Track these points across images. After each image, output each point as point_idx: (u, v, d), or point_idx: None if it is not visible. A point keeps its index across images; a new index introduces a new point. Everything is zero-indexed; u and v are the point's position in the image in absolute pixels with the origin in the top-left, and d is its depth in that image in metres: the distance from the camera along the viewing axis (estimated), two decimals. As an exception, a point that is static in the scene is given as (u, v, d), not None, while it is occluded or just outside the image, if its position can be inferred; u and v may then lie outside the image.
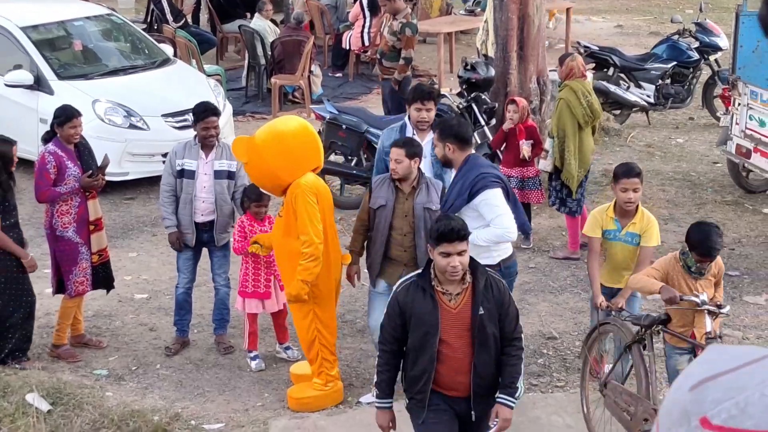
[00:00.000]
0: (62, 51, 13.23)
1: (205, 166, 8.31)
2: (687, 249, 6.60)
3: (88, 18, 13.73)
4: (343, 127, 11.33)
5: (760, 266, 10.07)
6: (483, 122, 11.42)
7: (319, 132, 9.81)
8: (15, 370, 7.92)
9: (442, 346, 5.52)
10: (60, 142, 8.25)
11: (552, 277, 9.84)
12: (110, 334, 8.89)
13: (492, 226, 7.00)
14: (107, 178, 8.59)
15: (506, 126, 10.23)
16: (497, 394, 5.71)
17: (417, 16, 13.86)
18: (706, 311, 6.45)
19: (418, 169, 7.40)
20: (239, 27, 17.19)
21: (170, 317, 9.10)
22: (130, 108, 12.21)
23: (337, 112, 11.54)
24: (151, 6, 17.58)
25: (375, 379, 5.93)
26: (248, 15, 18.35)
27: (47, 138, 8.36)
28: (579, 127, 9.90)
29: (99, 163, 8.41)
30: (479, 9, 18.02)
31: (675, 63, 14.76)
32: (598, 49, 14.95)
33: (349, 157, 11.43)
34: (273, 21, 17.09)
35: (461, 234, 5.42)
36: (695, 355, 6.60)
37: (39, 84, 12.30)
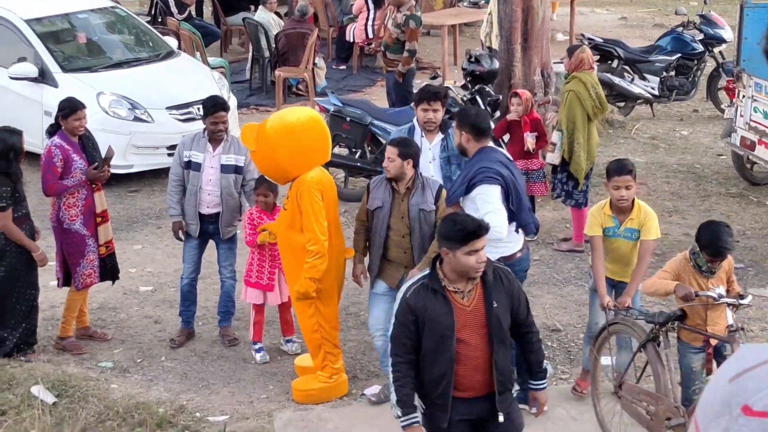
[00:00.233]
0: (66, 43, 13.23)
1: (212, 160, 8.33)
2: (697, 249, 6.56)
3: (92, 10, 13.73)
4: (347, 119, 11.33)
5: (765, 258, 10.06)
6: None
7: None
8: (20, 362, 7.95)
9: (459, 346, 5.36)
10: (65, 134, 8.26)
11: (556, 269, 9.85)
12: (115, 326, 8.91)
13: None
14: (112, 170, 8.60)
15: (510, 117, 10.23)
16: (530, 382, 5.69)
17: (421, 9, 13.85)
18: (725, 304, 6.43)
19: (415, 170, 7.33)
20: (243, 19, 17.18)
21: (175, 309, 9.12)
22: (135, 100, 12.22)
23: (341, 105, 11.54)
24: (155, -2, 17.57)
25: (393, 397, 5.46)
26: (252, 7, 18.35)
27: (52, 131, 8.38)
28: (588, 119, 9.89)
29: (103, 155, 8.42)
30: (483, 1, 18.02)
31: (679, 55, 14.73)
32: (602, 41, 14.92)
33: (353, 150, 11.43)
34: (277, 13, 17.08)
35: (486, 229, 5.40)
36: (708, 355, 6.59)
37: (43, 77, 12.31)
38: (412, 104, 11.97)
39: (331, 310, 7.71)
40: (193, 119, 11.98)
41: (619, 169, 7.14)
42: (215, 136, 8.32)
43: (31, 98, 12.30)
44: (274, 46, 15.88)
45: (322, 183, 7.44)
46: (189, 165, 8.36)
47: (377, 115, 11.53)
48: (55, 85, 12.22)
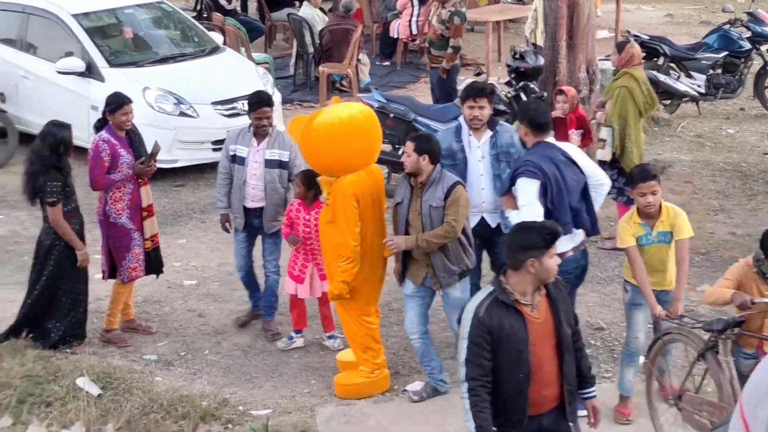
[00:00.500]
0: (113, 38, 13.34)
1: (256, 154, 8.39)
2: (762, 256, 6.45)
3: (138, 6, 13.84)
4: (391, 115, 11.33)
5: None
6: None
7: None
8: (66, 354, 8.04)
9: (532, 360, 5.17)
10: (112, 129, 8.33)
11: (600, 267, 9.79)
12: (159, 319, 8.97)
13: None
14: (157, 165, 8.67)
15: (555, 114, 10.17)
16: (583, 391, 5.52)
17: (465, 5, 13.81)
18: None
19: (434, 166, 7.25)
20: (288, 15, 17.23)
21: (219, 303, 9.19)
22: (180, 96, 12.30)
23: (384, 101, 11.54)
24: (201, -6, 17.68)
25: (471, 425, 5.12)
26: (297, 3, 18.38)
27: (99, 125, 8.45)
28: (639, 114, 9.83)
29: (149, 150, 8.48)
30: (528, -3, 17.93)
31: (726, 53, 14.58)
32: (648, 38, 14.80)
33: (397, 146, 11.43)
34: (321, 9, 17.11)
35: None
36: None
37: (90, 71, 12.43)
38: (456, 101, 12.02)
39: (372, 305, 7.74)
40: (237, 114, 12.04)
41: (643, 175, 7.03)
42: (259, 131, 8.37)
43: (78, 93, 12.42)
44: (318, 41, 15.92)
45: (360, 187, 7.43)
46: (234, 159, 8.45)
47: (421, 112, 11.52)
48: (101, 79, 12.33)
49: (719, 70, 14.58)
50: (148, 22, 13.96)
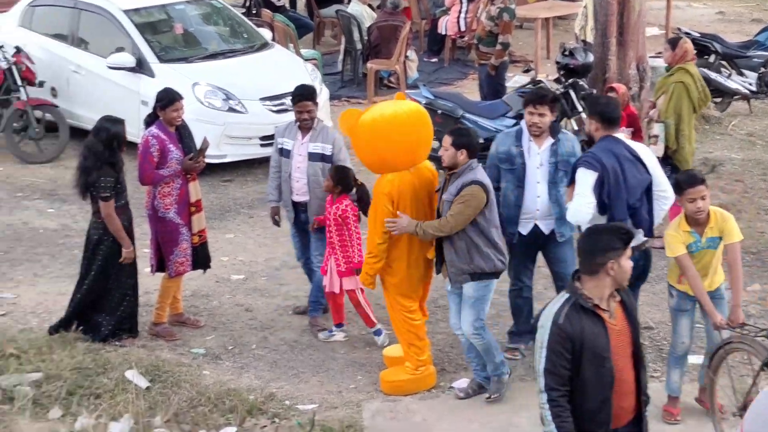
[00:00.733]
0: (163, 34, 13.43)
1: (300, 147, 8.44)
2: None
3: (188, 2, 13.91)
4: (439, 112, 11.31)
5: None
6: (580, 109, 11.30)
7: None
8: (115, 347, 8.11)
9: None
10: (162, 125, 8.38)
11: (648, 266, 9.70)
12: (207, 313, 9.03)
13: None
14: (206, 160, 8.72)
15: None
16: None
17: (515, 1, 13.76)
18: None
19: (469, 161, 7.20)
20: (336, 11, 17.25)
21: (266, 298, 9.23)
22: (229, 91, 12.36)
23: (432, 97, 11.53)
24: (250, -10, 17.73)
25: None
26: (345, 0, 18.41)
27: (149, 121, 8.50)
28: (693, 110, 9.75)
29: (198, 145, 8.53)
30: (578, -6, 17.81)
31: (778, 50, 14.43)
32: (699, 35, 14.67)
33: (445, 143, 11.40)
34: (370, 6, 17.11)
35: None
36: None
37: (140, 67, 12.52)
38: (505, 98, 11.99)
39: (415, 303, 7.75)
40: (286, 110, 12.06)
41: (691, 180, 6.89)
42: (302, 125, 8.44)
43: (128, 88, 12.51)
44: (366, 38, 15.93)
45: (397, 186, 7.40)
46: (282, 152, 8.52)
47: (469, 108, 11.50)
48: (151, 75, 12.42)
49: (771, 68, 14.41)
50: (198, 18, 14.04)
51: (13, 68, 12.65)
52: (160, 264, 8.51)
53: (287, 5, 18.51)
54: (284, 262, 9.92)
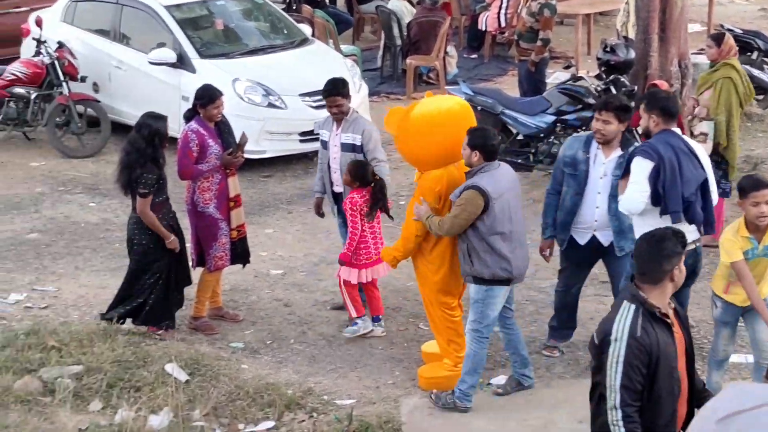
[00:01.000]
0: (204, 30, 13.50)
1: (335, 138, 8.52)
2: None
3: (229, -3, 13.99)
4: (478, 108, 11.26)
5: None
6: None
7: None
8: (155, 340, 8.15)
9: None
10: (201, 120, 8.42)
11: (689, 264, 9.63)
12: (246, 308, 9.06)
13: None
14: (245, 155, 8.75)
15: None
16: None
17: (555, -3, 13.69)
18: None
19: (483, 164, 7.16)
20: (376, 7, 17.26)
21: (304, 293, 9.25)
22: (269, 87, 12.40)
23: (472, 93, 11.50)
24: (290, -14, 17.77)
25: None
26: (385, -5, 18.41)
27: (189, 116, 8.55)
28: (740, 105, 9.67)
29: (237, 141, 8.56)
30: (619, -10, 17.70)
31: (823, 47, 14.26)
32: (741, 32, 14.53)
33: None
34: (409, 1, 17.11)
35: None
36: None
37: (181, 62, 12.59)
38: (545, 94, 11.94)
39: (454, 299, 7.74)
40: (325, 106, 12.07)
41: (755, 184, 6.73)
42: (335, 117, 8.52)
43: (169, 83, 12.59)
44: (406, 34, 15.92)
45: (443, 182, 7.40)
46: (323, 144, 8.63)
47: (508, 105, 11.46)
48: (192, 70, 12.48)
49: (815, 65, 14.24)
50: (238, 14, 14.10)
51: (56, 63, 12.77)
52: (200, 258, 8.55)
53: (327, 1, 18.54)
54: (323, 257, 9.95)
